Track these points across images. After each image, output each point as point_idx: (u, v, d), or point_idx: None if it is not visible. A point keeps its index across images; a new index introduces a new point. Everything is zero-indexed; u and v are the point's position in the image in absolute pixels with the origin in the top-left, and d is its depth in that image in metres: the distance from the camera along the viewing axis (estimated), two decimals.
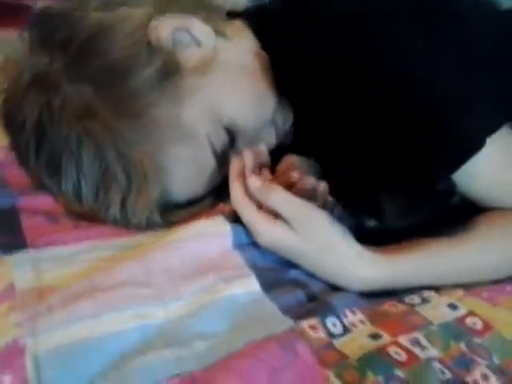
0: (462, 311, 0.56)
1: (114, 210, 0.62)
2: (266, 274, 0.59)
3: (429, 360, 0.50)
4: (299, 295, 0.57)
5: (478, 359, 0.51)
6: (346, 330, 0.53)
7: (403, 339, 0.52)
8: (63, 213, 0.66)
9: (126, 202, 0.61)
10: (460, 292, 0.59)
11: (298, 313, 0.55)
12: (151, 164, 0.61)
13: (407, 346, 0.51)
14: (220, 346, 0.50)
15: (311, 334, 0.52)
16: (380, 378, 0.47)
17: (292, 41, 0.64)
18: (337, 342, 0.52)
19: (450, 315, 0.56)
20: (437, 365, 0.50)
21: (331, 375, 0.47)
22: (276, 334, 0.51)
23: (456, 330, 0.54)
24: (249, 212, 0.60)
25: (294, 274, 0.60)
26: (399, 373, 0.48)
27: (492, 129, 0.59)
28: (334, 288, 0.59)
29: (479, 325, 0.55)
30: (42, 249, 0.61)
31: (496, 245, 0.60)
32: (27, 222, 0.65)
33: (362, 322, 0.55)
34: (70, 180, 0.61)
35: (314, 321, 0.53)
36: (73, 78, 0.60)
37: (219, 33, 0.66)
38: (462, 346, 0.52)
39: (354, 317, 0.55)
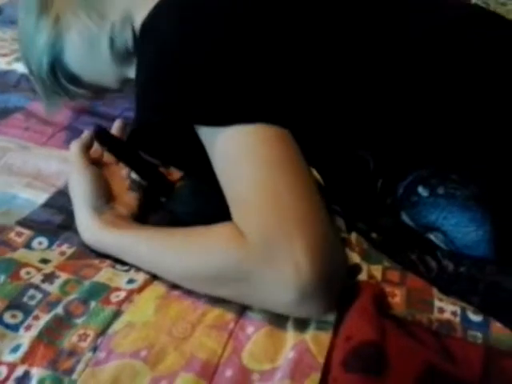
0: (134, 285, 0.63)
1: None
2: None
3: None
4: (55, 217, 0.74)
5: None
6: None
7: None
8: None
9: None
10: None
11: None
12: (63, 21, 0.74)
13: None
14: None
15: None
16: None
17: None
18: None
19: (116, 282, 0.64)
20: None
21: None
22: None
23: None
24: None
25: None
26: None
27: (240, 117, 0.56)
28: None
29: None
30: None
31: (178, 254, 0.60)
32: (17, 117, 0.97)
33: (62, 253, 0.68)
34: None
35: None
36: None
37: None
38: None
39: (58, 249, 0.69)
